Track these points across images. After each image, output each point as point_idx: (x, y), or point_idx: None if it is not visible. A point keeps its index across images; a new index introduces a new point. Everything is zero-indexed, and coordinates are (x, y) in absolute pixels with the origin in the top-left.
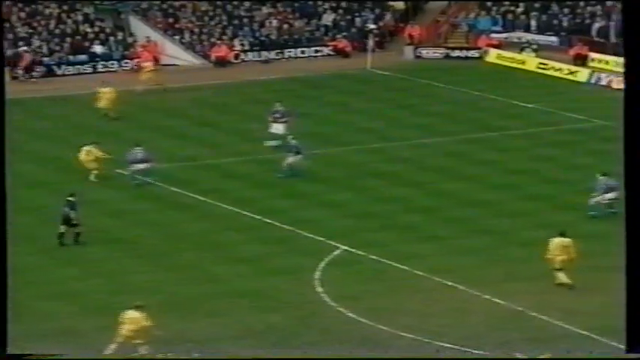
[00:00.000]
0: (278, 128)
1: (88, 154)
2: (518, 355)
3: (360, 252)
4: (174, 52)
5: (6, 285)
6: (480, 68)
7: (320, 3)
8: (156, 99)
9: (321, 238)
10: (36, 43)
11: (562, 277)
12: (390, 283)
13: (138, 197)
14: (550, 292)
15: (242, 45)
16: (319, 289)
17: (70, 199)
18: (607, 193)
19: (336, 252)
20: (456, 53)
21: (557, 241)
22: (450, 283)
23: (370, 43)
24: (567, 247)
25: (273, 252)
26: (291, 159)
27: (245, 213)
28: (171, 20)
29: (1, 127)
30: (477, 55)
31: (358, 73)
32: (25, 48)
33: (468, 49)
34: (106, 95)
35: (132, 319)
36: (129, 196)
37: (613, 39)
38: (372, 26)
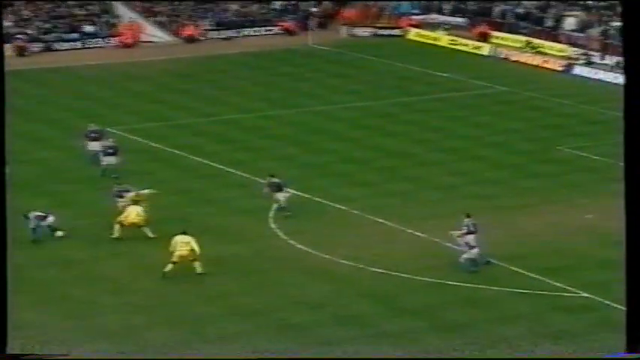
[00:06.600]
0: (94, 146)
1: None
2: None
3: (305, 195)
4: (152, 32)
5: (6, 285)
6: (402, 44)
7: None
8: (136, 70)
9: None
10: (37, 23)
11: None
12: (330, 220)
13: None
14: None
15: (207, 25)
16: (273, 225)
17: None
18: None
19: (286, 195)
20: (383, 32)
21: (178, 238)
22: (379, 220)
23: (312, 23)
24: (188, 242)
25: (235, 195)
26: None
27: (212, 164)
28: (148, 5)
29: (1, 128)
30: (399, 33)
31: (302, 49)
32: None
33: (392, 28)
34: None
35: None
36: None
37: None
38: (314, 9)
